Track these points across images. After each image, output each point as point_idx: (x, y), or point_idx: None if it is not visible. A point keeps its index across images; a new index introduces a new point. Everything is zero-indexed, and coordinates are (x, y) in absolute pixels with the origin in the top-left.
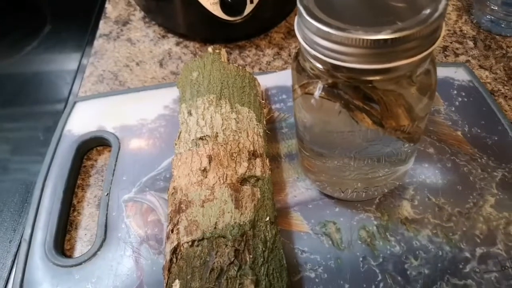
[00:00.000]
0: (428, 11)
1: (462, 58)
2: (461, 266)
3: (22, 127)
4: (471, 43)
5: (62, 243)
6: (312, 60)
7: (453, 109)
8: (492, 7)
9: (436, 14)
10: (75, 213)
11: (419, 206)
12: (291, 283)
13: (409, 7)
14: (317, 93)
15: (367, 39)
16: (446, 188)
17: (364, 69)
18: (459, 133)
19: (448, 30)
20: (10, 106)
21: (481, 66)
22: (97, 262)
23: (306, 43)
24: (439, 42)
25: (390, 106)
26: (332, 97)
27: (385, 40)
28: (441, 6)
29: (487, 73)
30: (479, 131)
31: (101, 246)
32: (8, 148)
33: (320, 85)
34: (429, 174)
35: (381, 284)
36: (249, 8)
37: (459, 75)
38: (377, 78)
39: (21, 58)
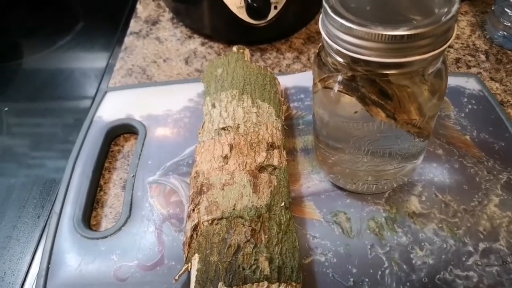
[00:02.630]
0: (442, 12)
1: (474, 70)
2: (464, 259)
3: (43, 123)
4: (483, 57)
5: (89, 218)
6: (333, 54)
7: (463, 115)
8: (505, 23)
9: (449, 15)
10: (102, 193)
11: (426, 201)
12: (303, 264)
13: (425, 8)
14: (337, 86)
15: (385, 34)
16: (453, 187)
17: (381, 63)
18: (467, 137)
19: (462, 43)
20: (34, 101)
21: (492, 78)
22: (122, 236)
23: (329, 38)
24: (450, 42)
25: (403, 101)
26: (349, 91)
27: (402, 36)
28: (454, 9)
29: (497, 85)
30: (486, 136)
31: (126, 222)
32: (29, 143)
33: (339, 78)
34: (437, 173)
35: (387, 271)
36: (273, 13)
37: (470, 84)
38: (392, 72)
39: (51, 53)
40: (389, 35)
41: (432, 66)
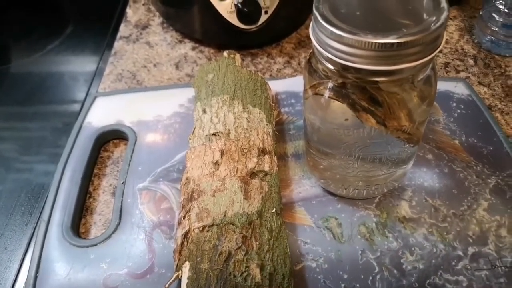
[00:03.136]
0: (431, 20)
1: (463, 74)
2: (453, 263)
3: (32, 127)
4: (471, 61)
5: (78, 226)
6: (324, 61)
7: (452, 119)
8: (493, 28)
9: (438, 24)
10: (91, 200)
11: (417, 206)
12: (294, 271)
13: (414, 17)
14: (327, 93)
15: (375, 42)
16: (442, 191)
17: (371, 70)
18: (456, 142)
19: (450, 48)
20: (24, 105)
21: (480, 83)
22: (112, 244)
23: (320, 46)
24: (439, 49)
25: (393, 108)
26: (340, 98)
27: (392, 44)
28: (443, 17)
29: (485, 89)
30: (475, 141)
31: (115, 229)
32: (17, 148)
33: (330, 85)
34: (427, 177)
35: (378, 276)
36: (263, 18)
37: (459, 89)
38: (382, 79)
39: (41, 57)
40: (379, 43)
41: (421, 73)
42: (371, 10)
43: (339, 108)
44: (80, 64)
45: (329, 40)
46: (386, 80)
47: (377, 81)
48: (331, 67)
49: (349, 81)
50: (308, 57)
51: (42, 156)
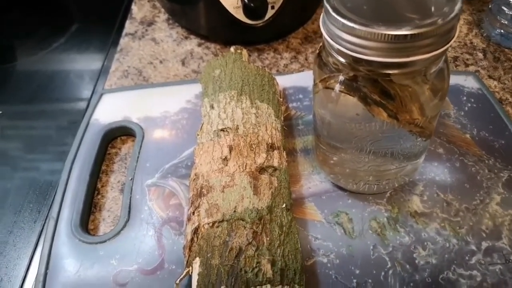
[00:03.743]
0: (444, 12)
1: (472, 68)
2: (467, 258)
3: (38, 125)
4: (480, 55)
5: (87, 222)
6: (335, 54)
7: (462, 113)
8: (502, 21)
9: (452, 15)
10: (99, 196)
11: (428, 201)
12: (305, 266)
13: (427, 8)
14: (338, 86)
15: (388, 34)
16: (454, 186)
17: (383, 63)
18: (467, 136)
19: (459, 42)
20: (30, 104)
21: (490, 76)
22: (121, 240)
23: (331, 38)
24: (453, 41)
25: (405, 101)
26: (351, 91)
27: (405, 35)
28: (456, 8)
29: (495, 83)
30: (487, 135)
31: (124, 226)
32: (22, 146)
33: (341, 78)
34: (438, 172)
35: (390, 271)
36: (270, 13)
37: (469, 83)
38: (395, 71)
39: (46, 55)
40: (392, 34)
41: (434, 66)
42: (381, 3)
43: (350, 102)
44: (86, 62)
45: (340, 32)
46: (398, 72)
47: (389, 74)
48: (342, 60)
49: (361, 74)
50: (318, 51)
51: (48, 155)
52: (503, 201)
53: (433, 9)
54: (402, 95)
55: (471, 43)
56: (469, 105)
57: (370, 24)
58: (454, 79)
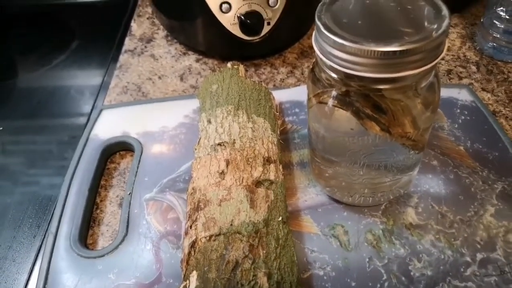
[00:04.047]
0: (432, 28)
1: (465, 81)
2: (462, 269)
3: (39, 140)
4: (474, 68)
5: (85, 237)
6: (327, 70)
7: (456, 126)
8: (494, 35)
9: (440, 31)
10: (98, 211)
11: (423, 213)
12: (301, 279)
13: (416, 25)
14: (331, 101)
15: (377, 51)
16: (448, 198)
17: (374, 78)
18: (461, 148)
19: (452, 55)
20: (31, 119)
21: (483, 89)
22: (119, 255)
23: (323, 55)
24: (442, 56)
25: (397, 115)
26: (344, 106)
27: (394, 52)
28: (444, 24)
29: (489, 95)
30: (480, 146)
31: (123, 240)
32: (23, 161)
33: (333, 93)
34: (432, 184)
35: (386, 283)
36: (266, 29)
37: (462, 95)
38: (385, 86)
39: (47, 71)
40: (381, 51)
41: (424, 80)
42: (373, 20)
43: (343, 116)
44: (86, 78)
45: (331, 49)
46: (389, 87)
47: (380, 89)
48: (334, 75)
49: (353, 89)
50: (311, 67)
51: (48, 170)
52: (497, 212)
53: (423, 25)
54: (394, 109)
55: (465, 56)
56: (463, 117)
57: (360, 41)
58: (447, 92)
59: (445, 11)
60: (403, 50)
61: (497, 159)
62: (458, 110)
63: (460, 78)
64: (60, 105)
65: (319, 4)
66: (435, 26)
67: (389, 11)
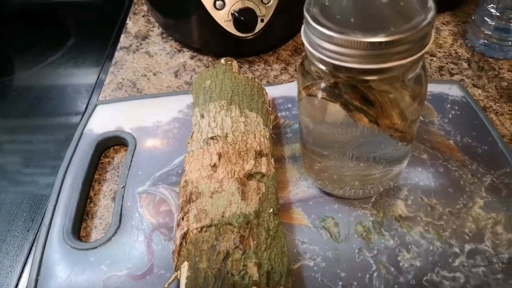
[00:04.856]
0: (418, 19)
1: (457, 77)
2: (450, 260)
3: (35, 139)
4: (465, 64)
5: (78, 229)
6: (316, 62)
7: (446, 120)
8: (485, 32)
9: (425, 22)
10: (91, 204)
11: (412, 205)
12: (291, 270)
13: (402, 16)
14: (320, 93)
15: (364, 42)
16: (438, 190)
17: (361, 69)
18: (451, 142)
19: (444, 52)
20: (27, 118)
21: (474, 85)
22: (112, 246)
23: (312, 47)
24: (428, 47)
25: (385, 106)
26: (333, 98)
27: (380, 42)
28: (429, 16)
29: (479, 91)
30: (470, 141)
31: (115, 232)
32: (20, 160)
33: (322, 85)
34: (422, 177)
35: (375, 274)
36: (259, 26)
37: (453, 91)
38: (373, 78)
39: (42, 69)
40: (368, 42)
41: (411, 72)
42: (360, 12)
43: (332, 109)
44: (82, 76)
45: (320, 41)
46: (376, 78)
47: (368, 80)
48: (323, 67)
49: (341, 81)
50: (301, 60)
51: (44, 169)
52: (486, 204)
53: (410, 17)
54: (382, 100)
55: (456, 53)
56: (453, 112)
57: (347, 32)
58: (438, 88)
59: (430, 3)
60: (389, 41)
61: (486, 153)
62: (449, 105)
63: (452, 75)
64: (56, 103)
65: None
66: (422, 17)
67: (377, 3)
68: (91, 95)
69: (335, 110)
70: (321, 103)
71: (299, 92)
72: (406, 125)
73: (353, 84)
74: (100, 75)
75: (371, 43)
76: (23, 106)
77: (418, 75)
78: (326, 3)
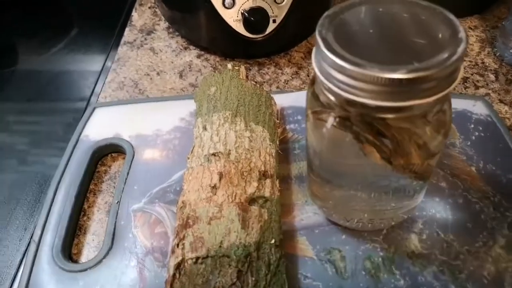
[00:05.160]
0: (447, 53)
1: (482, 91)
2: None
3: (45, 121)
4: (492, 76)
5: (69, 247)
6: (326, 92)
7: (469, 143)
8: None
9: (454, 57)
10: (85, 218)
11: (427, 240)
12: None
13: (430, 46)
14: (329, 123)
15: (381, 77)
16: (456, 225)
17: (377, 106)
18: (473, 168)
19: (470, 61)
20: (34, 101)
21: (501, 101)
22: (102, 270)
23: (322, 74)
24: (455, 84)
25: (403, 143)
26: (343, 127)
27: (400, 80)
28: (460, 50)
29: (506, 108)
30: (494, 168)
31: (107, 254)
32: (28, 141)
33: (332, 116)
34: (439, 208)
35: None
36: (271, 27)
37: (478, 108)
38: (390, 116)
39: (48, 57)
40: (386, 78)
41: (436, 108)
42: (383, 38)
43: (342, 137)
44: (86, 65)
45: (331, 69)
46: (394, 117)
47: (384, 118)
48: (333, 99)
49: (353, 115)
50: (312, 78)
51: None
52: (508, 244)
53: (436, 48)
54: (400, 137)
55: (483, 63)
56: (477, 133)
57: (362, 64)
58: (462, 104)
59: (462, 33)
60: (410, 78)
61: (511, 183)
62: (472, 125)
63: (477, 88)
64: (58, 91)
65: (322, 16)
66: (450, 50)
67: (402, 27)
68: (93, 91)
69: (346, 140)
70: (330, 131)
71: (307, 114)
72: (424, 165)
73: (367, 120)
74: (104, 66)
75: (389, 79)
76: (31, 90)
77: (442, 109)
78: (343, 24)
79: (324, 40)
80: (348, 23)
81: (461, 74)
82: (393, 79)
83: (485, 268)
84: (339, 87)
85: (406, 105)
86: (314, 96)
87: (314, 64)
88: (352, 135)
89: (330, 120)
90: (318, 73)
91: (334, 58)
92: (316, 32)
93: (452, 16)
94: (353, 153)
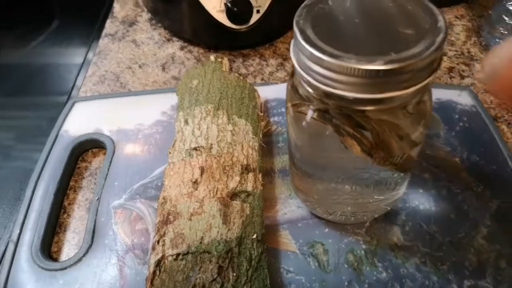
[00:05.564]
0: (425, 42)
1: (468, 80)
2: None
3: (26, 115)
4: (478, 66)
5: (49, 246)
6: (304, 85)
7: (453, 134)
8: (502, 31)
9: (433, 48)
10: (65, 215)
11: (410, 232)
12: None
13: (413, 37)
14: (309, 115)
15: (358, 68)
16: (438, 216)
17: (356, 98)
18: (457, 159)
19: (456, 50)
20: (16, 96)
21: (486, 90)
22: (82, 268)
23: (300, 66)
24: (435, 75)
25: (383, 135)
26: (323, 120)
27: (377, 71)
28: (438, 39)
29: (491, 97)
30: (477, 159)
31: (87, 252)
32: (11, 136)
33: (311, 109)
34: (422, 200)
35: None
36: (255, 17)
37: (463, 99)
38: (369, 108)
39: (29, 50)
40: (363, 69)
41: (416, 99)
42: (363, 27)
43: (322, 131)
44: (67, 58)
45: (309, 62)
46: (374, 109)
47: (364, 110)
48: (311, 91)
49: (332, 108)
50: (291, 70)
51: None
52: (490, 234)
53: (418, 37)
54: (380, 129)
55: (469, 52)
56: (461, 124)
57: (340, 55)
58: (447, 94)
59: (441, 22)
60: (387, 70)
61: (494, 174)
62: (457, 116)
63: (462, 77)
64: (40, 85)
65: (301, 6)
66: (429, 40)
67: (385, 16)
68: (74, 85)
69: (326, 133)
70: (310, 124)
71: (287, 107)
72: (405, 156)
73: (346, 113)
74: (86, 58)
75: (366, 70)
76: (12, 84)
77: (422, 99)
78: (323, 14)
79: (302, 31)
80: (328, 13)
81: (441, 64)
82: (370, 71)
83: (467, 259)
84: (316, 79)
85: (384, 97)
86: (293, 89)
87: (292, 56)
88: (332, 128)
89: (310, 113)
90: (296, 65)
91: (310, 49)
92: (294, 23)
93: (432, 6)
94: (334, 146)
